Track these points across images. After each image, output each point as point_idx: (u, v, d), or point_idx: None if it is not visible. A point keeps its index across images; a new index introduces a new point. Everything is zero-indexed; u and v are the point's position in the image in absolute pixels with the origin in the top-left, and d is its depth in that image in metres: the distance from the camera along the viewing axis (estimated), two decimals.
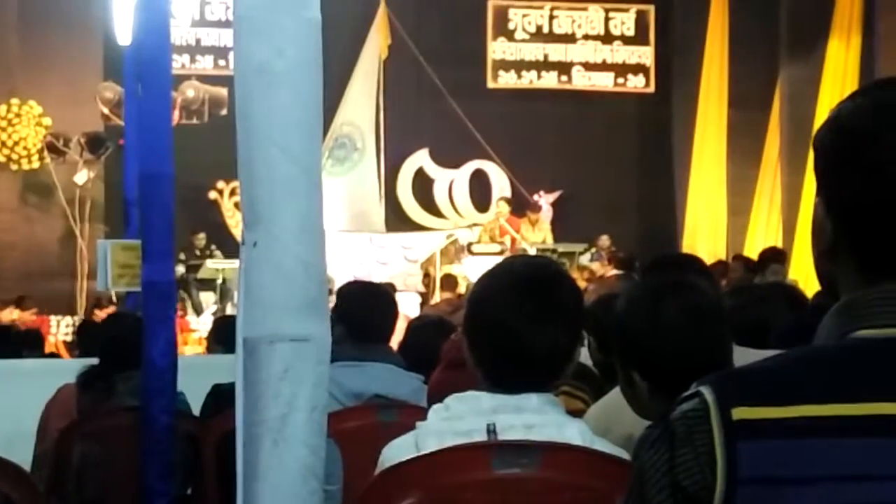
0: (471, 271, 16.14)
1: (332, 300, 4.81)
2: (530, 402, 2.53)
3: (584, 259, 17.07)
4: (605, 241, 17.78)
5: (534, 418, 2.52)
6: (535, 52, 20.59)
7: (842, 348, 1.39)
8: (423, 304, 15.90)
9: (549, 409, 2.55)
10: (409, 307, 14.94)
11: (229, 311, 14.84)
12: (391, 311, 4.69)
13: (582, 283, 14.38)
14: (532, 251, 16.93)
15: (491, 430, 2.50)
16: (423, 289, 16.94)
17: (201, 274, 16.88)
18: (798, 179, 16.33)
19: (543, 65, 20.58)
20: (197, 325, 15.45)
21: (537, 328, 2.53)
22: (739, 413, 1.32)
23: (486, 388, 2.57)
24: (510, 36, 20.54)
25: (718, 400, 1.34)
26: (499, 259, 15.04)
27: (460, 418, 2.55)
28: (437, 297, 15.28)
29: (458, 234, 18.04)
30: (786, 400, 1.33)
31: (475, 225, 18.62)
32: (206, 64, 19.01)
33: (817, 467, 1.30)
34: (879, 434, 1.31)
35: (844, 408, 1.32)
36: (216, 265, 16.76)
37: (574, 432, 2.54)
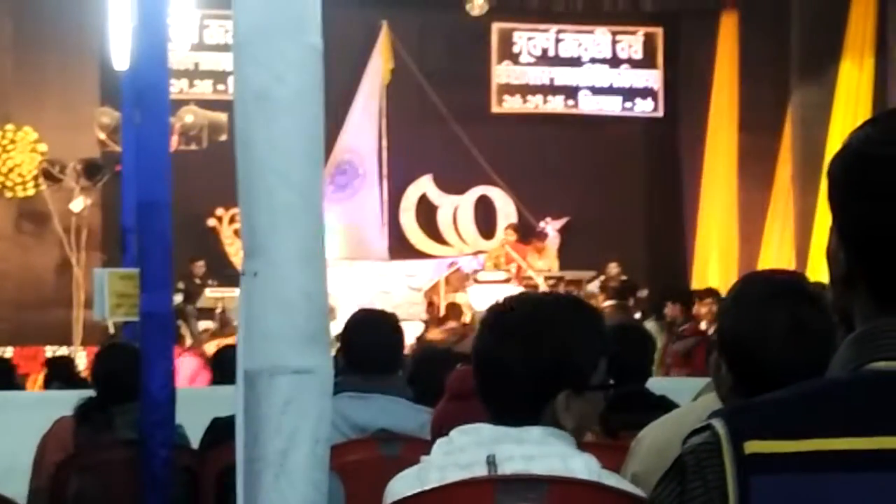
0: (476, 300, 15.96)
1: (334, 329, 4.73)
2: (531, 433, 2.51)
3: (592, 287, 16.84)
4: (613, 269, 17.55)
5: (534, 449, 2.49)
6: (540, 75, 20.46)
7: (856, 381, 1.38)
8: (423, 333, 15.68)
9: (553, 440, 2.52)
10: (412, 337, 14.71)
11: (228, 341, 14.57)
12: (398, 341, 4.66)
13: None
14: (539, 279, 16.74)
15: (490, 462, 2.48)
16: (426, 317, 16.73)
17: (200, 303, 16.69)
18: (811, 205, 16.21)
19: (549, 89, 20.46)
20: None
21: (503, 353, 2.53)
22: (752, 447, 1.32)
23: (489, 420, 2.55)
24: (515, 59, 20.40)
25: (730, 433, 1.33)
26: (504, 287, 14.82)
27: (462, 451, 2.52)
28: (445, 325, 14.99)
29: (463, 261, 17.90)
30: (799, 434, 1.32)
31: (480, 252, 18.50)
32: (204, 88, 18.87)
33: (831, 502, 1.29)
34: (894, 468, 1.30)
35: (858, 441, 1.31)
36: (215, 294, 16.54)
37: (579, 465, 2.50)
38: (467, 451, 2.51)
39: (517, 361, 2.52)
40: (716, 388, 2.72)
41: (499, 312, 2.64)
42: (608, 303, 13.26)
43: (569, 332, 2.58)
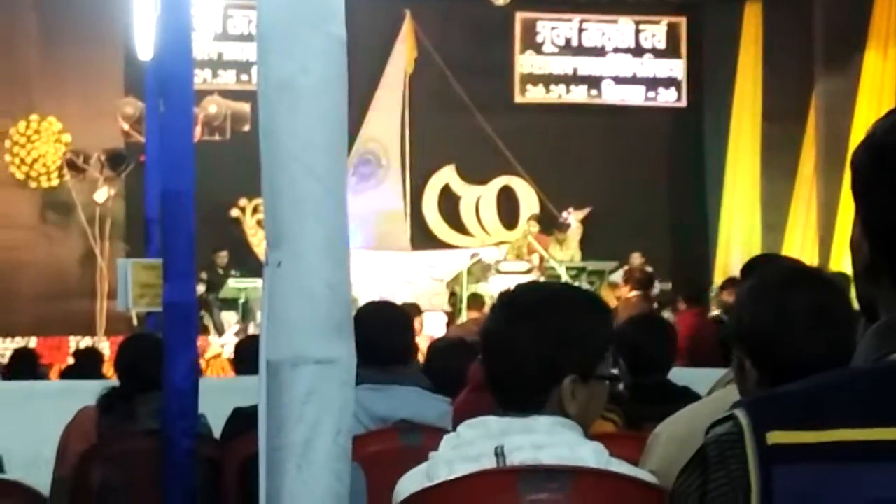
0: (498, 290, 15.85)
1: None
2: (539, 423, 2.51)
3: (616, 276, 16.77)
4: (636, 259, 17.48)
5: (543, 438, 2.50)
6: (564, 65, 20.38)
7: (879, 371, 1.38)
8: (448, 324, 15.70)
9: (560, 429, 2.52)
10: (434, 327, 14.71)
11: (251, 331, 14.62)
12: (408, 331, 4.67)
13: (613, 302, 14.06)
14: (561, 270, 16.71)
15: (499, 453, 2.49)
16: (449, 308, 16.72)
17: (223, 293, 16.72)
18: (834, 194, 16.14)
19: (573, 78, 20.38)
20: (218, 346, 15.22)
21: (512, 333, 2.56)
22: (774, 437, 1.32)
23: (497, 406, 2.57)
24: (538, 49, 20.32)
25: (753, 423, 1.33)
26: (526, 278, 14.77)
27: (470, 444, 2.53)
28: (463, 317, 14.99)
29: (485, 252, 17.84)
30: (822, 424, 1.32)
31: (503, 243, 18.44)
32: (228, 79, 18.86)
33: (853, 492, 1.29)
34: None
35: (881, 432, 1.31)
36: (238, 284, 16.56)
37: (588, 452, 2.51)
38: (475, 444, 2.52)
39: (524, 341, 2.53)
40: (738, 383, 2.66)
41: (509, 296, 2.68)
42: (633, 293, 13.19)
43: (577, 317, 2.60)
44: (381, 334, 4.37)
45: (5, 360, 11.48)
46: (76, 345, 15.11)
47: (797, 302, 2.53)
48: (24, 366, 8.97)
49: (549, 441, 2.49)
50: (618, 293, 14.57)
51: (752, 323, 2.57)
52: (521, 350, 2.53)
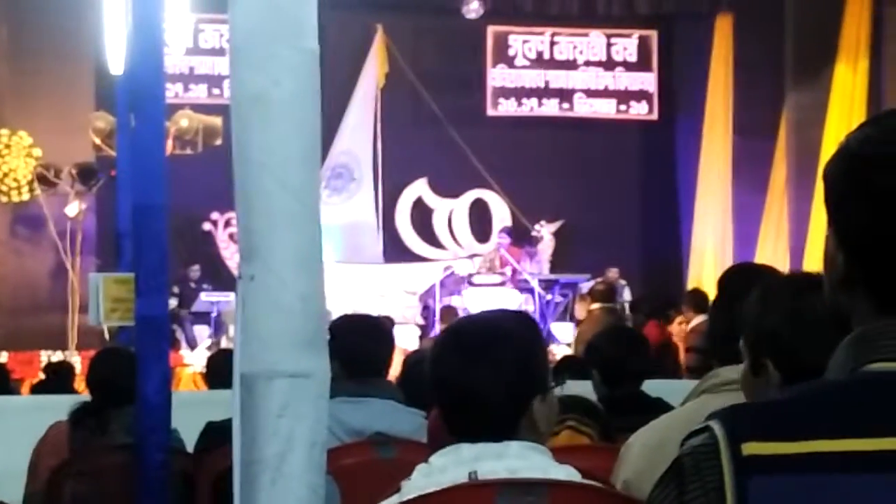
0: (471, 303, 15.94)
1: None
2: (510, 448, 2.53)
3: (587, 288, 16.80)
4: (613, 273, 17.52)
5: (516, 463, 2.51)
6: (535, 79, 20.43)
7: (853, 382, 1.39)
8: (421, 337, 15.71)
9: (532, 454, 2.54)
10: (407, 340, 14.69)
11: (224, 345, 14.58)
12: (387, 344, 4.66)
13: (584, 315, 14.10)
14: (533, 282, 16.74)
15: (472, 479, 2.50)
16: (422, 321, 16.73)
17: (195, 307, 16.64)
18: (806, 207, 16.21)
19: (544, 92, 20.43)
20: (191, 360, 15.17)
21: (474, 375, 2.55)
22: (750, 448, 1.32)
23: (467, 439, 2.56)
24: (510, 62, 20.38)
25: (728, 434, 1.33)
26: (499, 290, 14.73)
27: (442, 471, 2.54)
28: (436, 330, 14.99)
29: (458, 265, 17.85)
30: (797, 435, 1.32)
31: (475, 255, 18.45)
32: (199, 93, 18.85)
33: (828, 503, 1.30)
34: (892, 469, 1.31)
35: (856, 443, 1.31)
36: (210, 298, 16.50)
37: (562, 475, 2.54)
38: (448, 470, 2.53)
39: (487, 385, 2.55)
40: (745, 388, 2.64)
41: (453, 340, 2.67)
42: (595, 306, 13.22)
43: (526, 343, 2.63)
44: (359, 346, 4.37)
45: None
46: (48, 359, 15.02)
47: (809, 303, 2.49)
48: None
49: (522, 465, 2.51)
50: (584, 305, 14.62)
51: (770, 329, 2.55)
52: (484, 393, 2.55)
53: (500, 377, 2.55)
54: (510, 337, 2.62)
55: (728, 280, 3.36)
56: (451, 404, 2.62)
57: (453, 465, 2.53)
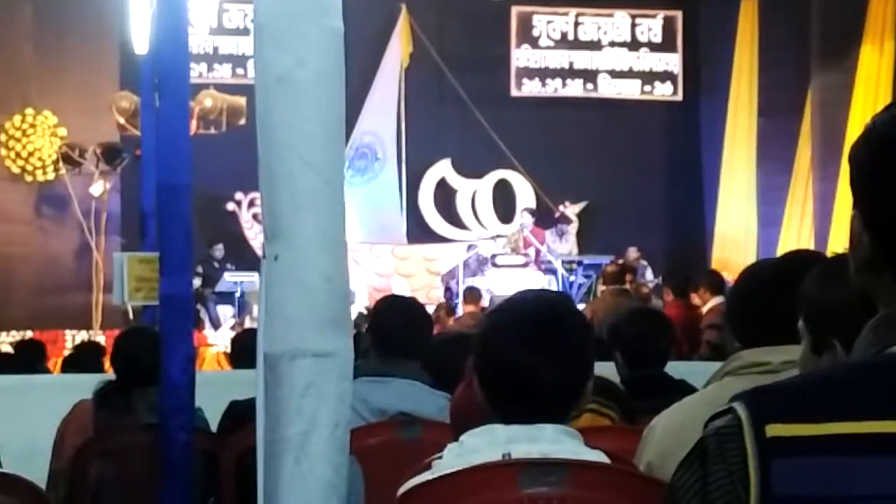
0: (494, 284, 15.92)
1: (353, 313, 4.73)
2: (545, 432, 2.54)
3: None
4: (633, 253, 17.48)
5: (549, 447, 2.52)
6: (559, 59, 20.37)
7: (878, 364, 1.38)
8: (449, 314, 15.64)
9: (565, 438, 2.55)
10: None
11: (247, 325, 14.61)
12: (425, 328, 4.69)
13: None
14: (557, 263, 16.71)
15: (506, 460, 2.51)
16: (445, 302, 16.70)
17: (219, 287, 16.68)
18: (831, 188, 16.12)
19: (568, 72, 20.39)
20: (214, 340, 15.22)
21: (544, 364, 2.55)
22: (773, 430, 1.31)
23: (500, 419, 2.57)
24: (534, 43, 20.31)
25: (752, 416, 1.33)
26: (523, 271, 14.70)
27: (475, 452, 2.54)
28: (459, 311, 14.98)
29: (481, 245, 17.83)
30: (820, 417, 1.31)
31: (499, 236, 18.42)
32: (223, 73, 18.84)
33: (852, 485, 1.29)
34: None
35: (880, 425, 1.30)
36: (234, 278, 16.53)
37: (592, 459, 2.56)
38: (480, 451, 2.53)
39: (548, 372, 2.55)
40: (807, 368, 2.55)
41: (512, 317, 2.64)
42: (604, 288, 13.16)
43: (583, 329, 2.67)
44: (396, 327, 4.43)
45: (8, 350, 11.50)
46: (72, 338, 15.11)
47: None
48: (34, 358, 8.95)
49: (555, 449, 2.52)
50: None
51: (839, 307, 2.43)
52: (545, 379, 2.54)
53: (563, 365, 2.56)
54: (571, 324, 2.63)
55: (791, 264, 3.28)
56: (504, 385, 2.59)
57: (486, 445, 2.53)
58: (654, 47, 20.53)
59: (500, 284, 15.73)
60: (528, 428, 2.52)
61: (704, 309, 11.83)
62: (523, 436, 2.52)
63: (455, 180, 19.96)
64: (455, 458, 2.56)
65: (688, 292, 12.05)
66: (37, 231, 16.38)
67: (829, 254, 2.94)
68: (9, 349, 13.78)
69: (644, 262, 17.55)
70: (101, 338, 14.52)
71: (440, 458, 2.61)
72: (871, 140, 1.44)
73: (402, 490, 2.58)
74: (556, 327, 2.59)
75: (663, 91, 20.57)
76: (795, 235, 18.12)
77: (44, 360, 9.26)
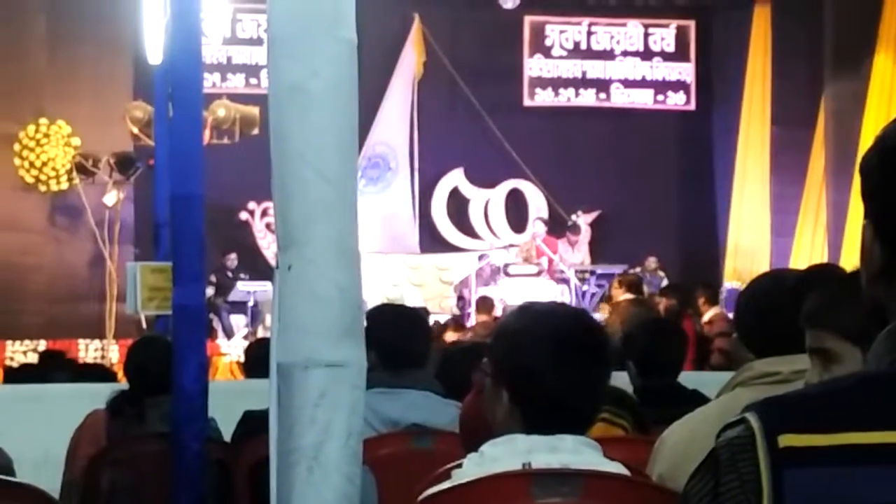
0: (507, 293, 15.91)
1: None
2: (565, 442, 2.53)
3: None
4: (651, 262, 17.51)
5: (569, 458, 2.52)
6: (572, 68, 20.37)
7: (889, 375, 1.37)
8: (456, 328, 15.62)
9: (585, 449, 2.55)
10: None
11: (260, 334, 14.62)
12: (425, 335, 4.66)
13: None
14: (570, 273, 16.70)
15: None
16: (457, 311, 16.71)
17: (232, 296, 16.70)
18: (844, 198, 16.09)
19: (581, 82, 20.37)
20: (227, 349, 15.23)
21: (580, 387, 2.55)
22: (786, 440, 1.32)
23: (520, 429, 2.56)
24: (547, 52, 20.32)
25: (765, 426, 1.33)
26: (535, 281, 14.65)
27: (494, 461, 2.53)
28: (471, 320, 14.97)
29: (494, 255, 17.82)
30: (833, 427, 1.31)
31: (511, 246, 18.43)
32: (237, 83, 18.88)
33: (865, 496, 1.29)
34: None
35: (893, 435, 1.30)
36: (247, 287, 16.55)
37: (611, 470, 2.56)
38: (501, 460, 2.52)
39: (580, 388, 2.56)
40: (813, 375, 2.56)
41: (543, 329, 2.60)
42: (625, 296, 13.17)
43: (609, 347, 2.66)
44: (396, 337, 4.36)
45: (15, 364, 11.50)
46: (86, 348, 15.13)
47: None
48: (56, 364, 8.91)
49: (574, 460, 2.52)
50: (614, 294, 14.59)
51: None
52: (576, 394, 2.55)
53: (596, 388, 2.59)
54: (607, 350, 2.64)
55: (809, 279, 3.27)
56: (538, 406, 2.56)
57: (507, 455, 2.52)
58: (667, 57, 20.52)
59: (512, 294, 15.72)
60: (548, 438, 2.52)
61: (704, 318, 11.86)
62: (544, 446, 2.52)
63: (468, 190, 19.97)
64: (475, 467, 2.56)
65: (690, 303, 12.12)
66: (50, 241, 16.38)
67: (847, 267, 2.92)
68: (22, 358, 13.84)
69: (661, 274, 17.56)
70: (114, 347, 14.56)
71: (460, 466, 2.61)
72: (881, 150, 1.43)
73: (420, 498, 2.57)
74: (596, 357, 2.60)
75: (676, 100, 20.55)
76: (809, 245, 18.11)
77: (64, 369, 9.26)
